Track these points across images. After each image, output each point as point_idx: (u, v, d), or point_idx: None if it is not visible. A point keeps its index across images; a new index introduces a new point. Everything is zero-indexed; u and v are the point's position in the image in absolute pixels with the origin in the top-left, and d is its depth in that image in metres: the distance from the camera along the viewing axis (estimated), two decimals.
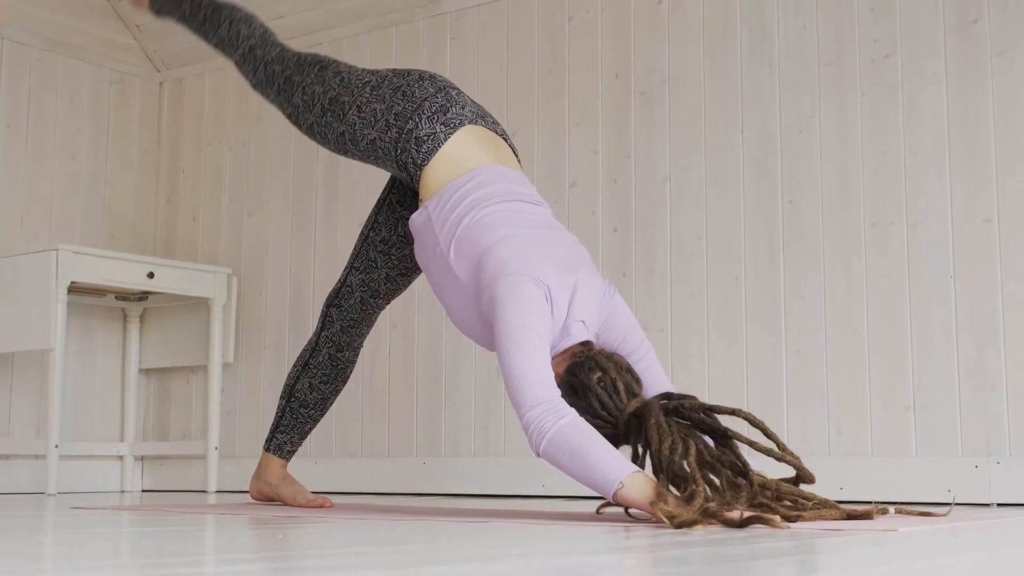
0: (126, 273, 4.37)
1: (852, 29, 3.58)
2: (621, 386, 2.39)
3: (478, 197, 2.64)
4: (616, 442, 2.38)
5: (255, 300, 4.72)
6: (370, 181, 4.49)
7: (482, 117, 2.84)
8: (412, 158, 2.74)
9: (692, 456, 2.21)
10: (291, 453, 3.18)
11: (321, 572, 1.34)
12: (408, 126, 2.75)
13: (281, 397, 3.16)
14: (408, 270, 3.04)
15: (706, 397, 3.65)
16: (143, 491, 4.81)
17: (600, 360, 2.43)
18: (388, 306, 4.35)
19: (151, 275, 4.42)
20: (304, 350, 3.14)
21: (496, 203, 2.63)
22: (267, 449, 3.18)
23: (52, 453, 4.13)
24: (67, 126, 4.80)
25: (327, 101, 2.88)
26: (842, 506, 2.26)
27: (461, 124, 2.76)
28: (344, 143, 2.87)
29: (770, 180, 3.65)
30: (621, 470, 2.20)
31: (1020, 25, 3.34)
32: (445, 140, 2.73)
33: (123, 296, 4.75)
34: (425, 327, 4.24)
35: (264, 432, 4.60)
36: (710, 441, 2.33)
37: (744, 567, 1.42)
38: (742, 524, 2.05)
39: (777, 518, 2.06)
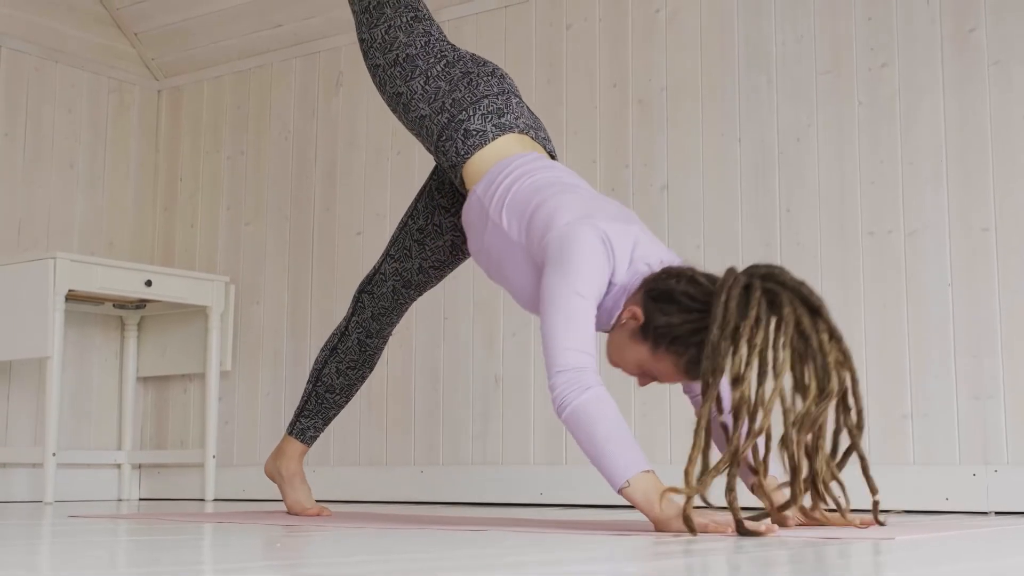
0: (124, 281, 4.37)
1: (849, 38, 3.59)
2: (702, 279, 2.34)
3: (525, 170, 2.63)
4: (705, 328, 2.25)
5: (253, 308, 4.72)
6: (368, 189, 4.49)
7: (534, 129, 2.82)
8: (456, 148, 2.73)
9: (789, 336, 2.15)
10: (313, 439, 3.14)
11: None
12: (460, 117, 2.74)
13: (308, 382, 3.12)
14: (441, 263, 3.02)
15: None
16: (140, 499, 4.81)
17: (672, 269, 2.39)
18: None
19: (149, 283, 4.42)
20: (333, 335, 3.09)
21: (543, 172, 2.62)
22: (290, 433, 3.13)
23: (49, 461, 4.12)
24: (65, 134, 4.80)
25: (404, 56, 2.84)
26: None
27: (511, 131, 2.76)
28: (397, 104, 2.85)
29: (768, 189, 3.66)
30: (629, 469, 2.20)
31: (1017, 34, 3.35)
32: (492, 140, 2.72)
33: (121, 304, 4.75)
34: (423, 336, 4.24)
35: (261, 441, 4.60)
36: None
37: (746, 574, 1.42)
38: (741, 530, 2.06)
39: (763, 526, 2.10)
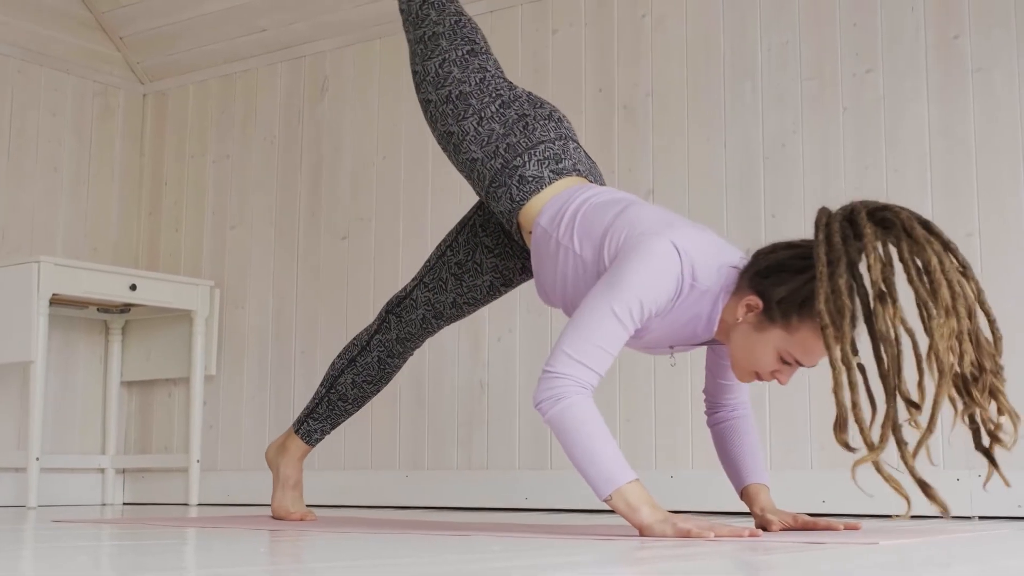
0: (108, 285, 4.36)
1: (834, 44, 3.60)
2: (796, 241, 2.30)
3: (591, 193, 2.53)
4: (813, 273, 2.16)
5: (237, 313, 4.71)
6: (354, 194, 4.49)
7: (592, 175, 2.70)
8: (511, 195, 2.59)
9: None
10: (318, 441, 3.08)
11: None
12: (516, 163, 2.60)
13: (321, 385, 3.05)
14: (476, 300, 2.91)
15: (688, 410, 3.66)
16: (124, 504, 4.79)
17: (762, 249, 2.33)
18: (373, 318, 4.34)
19: (133, 287, 4.41)
20: (353, 344, 3.02)
21: (609, 193, 2.53)
22: (297, 432, 3.07)
23: (33, 466, 4.11)
24: (49, 138, 4.79)
25: (457, 93, 2.70)
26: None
27: (569, 175, 2.62)
28: (448, 143, 2.72)
29: (753, 194, 3.67)
30: (611, 483, 2.19)
31: (1000, 41, 3.37)
32: (549, 184, 2.58)
33: (105, 308, 4.73)
34: None
35: (245, 445, 4.59)
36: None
37: None
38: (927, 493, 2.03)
39: (747, 531, 2.10)
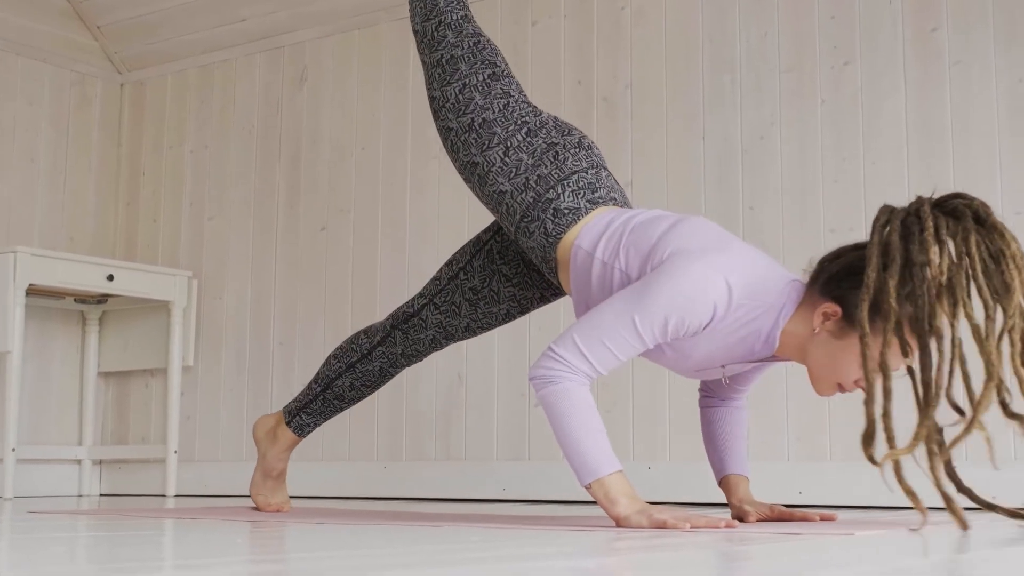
0: (85, 275, 4.34)
1: (812, 37, 3.61)
2: (860, 243, 2.21)
3: (633, 212, 2.45)
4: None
5: (215, 304, 4.70)
6: (335, 183, 4.48)
7: (625, 204, 2.60)
8: (545, 229, 2.47)
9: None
10: (309, 433, 3.05)
11: None
12: (549, 195, 2.48)
13: (316, 383, 2.97)
14: (490, 325, 2.82)
15: (667, 402, 3.66)
16: (101, 495, 4.78)
17: (827, 256, 2.25)
18: (351, 310, 4.34)
19: (110, 278, 4.39)
20: (352, 349, 2.93)
21: (649, 212, 2.44)
22: (289, 423, 3.01)
23: (9, 457, 4.09)
24: (26, 128, 4.76)
25: (480, 121, 2.56)
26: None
27: (605, 204, 2.52)
28: (472, 175, 2.58)
29: (731, 186, 3.67)
30: (593, 472, 2.19)
31: (978, 34, 3.38)
32: (586, 214, 2.46)
33: (82, 299, 4.72)
34: None
35: (223, 436, 4.58)
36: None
37: (706, 569, 1.42)
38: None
39: (723, 522, 2.10)
